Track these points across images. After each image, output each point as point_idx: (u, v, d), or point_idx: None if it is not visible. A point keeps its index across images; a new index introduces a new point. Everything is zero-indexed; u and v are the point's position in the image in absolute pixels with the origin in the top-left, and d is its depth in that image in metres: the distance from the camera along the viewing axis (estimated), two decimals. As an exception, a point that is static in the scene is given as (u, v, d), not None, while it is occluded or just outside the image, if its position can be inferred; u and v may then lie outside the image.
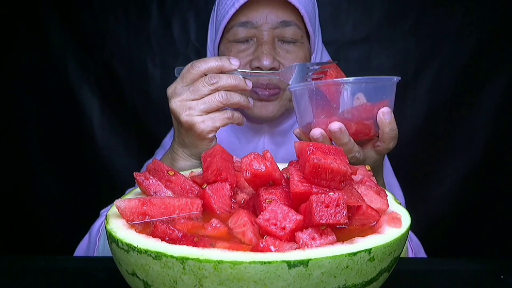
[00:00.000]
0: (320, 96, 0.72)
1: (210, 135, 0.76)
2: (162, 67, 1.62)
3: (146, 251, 0.43)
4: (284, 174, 0.55)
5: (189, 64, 0.75)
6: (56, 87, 1.64)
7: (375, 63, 1.58)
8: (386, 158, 1.12)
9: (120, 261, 0.48)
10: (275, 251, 0.43)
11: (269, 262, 0.40)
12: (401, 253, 0.50)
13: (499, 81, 1.55)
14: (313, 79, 0.79)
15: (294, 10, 0.92)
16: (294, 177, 0.50)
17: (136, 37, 1.61)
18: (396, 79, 0.75)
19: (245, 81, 0.76)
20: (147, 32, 1.61)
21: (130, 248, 0.45)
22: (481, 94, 1.57)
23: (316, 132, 0.72)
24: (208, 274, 0.41)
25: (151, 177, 0.58)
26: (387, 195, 0.56)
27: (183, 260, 0.41)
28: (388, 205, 0.54)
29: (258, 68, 0.90)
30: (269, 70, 0.88)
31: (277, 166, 0.53)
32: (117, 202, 0.51)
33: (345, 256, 0.42)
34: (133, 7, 1.61)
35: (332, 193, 0.45)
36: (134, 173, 0.59)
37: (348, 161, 0.53)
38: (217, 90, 0.74)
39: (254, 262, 0.40)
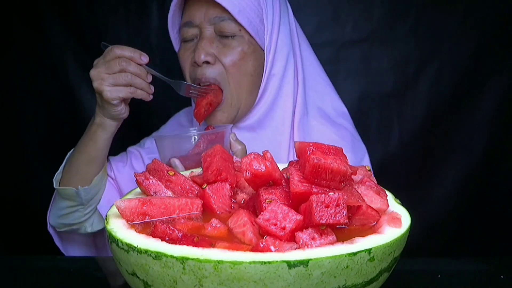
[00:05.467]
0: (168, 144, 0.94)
1: (114, 102, 0.92)
2: (162, 67, 1.62)
3: (146, 251, 0.43)
4: (284, 174, 0.55)
5: (111, 47, 0.93)
6: (56, 87, 1.64)
7: (375, 63, 1.58)
8: (366, 159, 1.12)
9: (120, 261, 0.48)
10: (275, 251, 0.43)
11: (269, 262, 0.40)
12: (401, 253, 0.50)
13: (499, 81, 1.55)
14: (196, 95, 0.97)
15: (229, 5, 0.95)
16: (294, 177, 0.50)
17: (136, 37, 1.61)
18: (226, 127, 0.93)
19: (146, 74, 0.93)
20: (147, 32, 1.60)
21: (130, 248, 0.45)
22: (481, 94, 1.57)
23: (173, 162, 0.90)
24: (208, 274, 0.41)
25: (151, 177, 0.58)
26: (387, 195, 0.56)
27: (183, 260, 0.41)
28: (388, 205, 0.54)
29: (195, 63, 0.98)
30: (203, 63, 0.96)
31: (277, 166, 0.53)
32: (117, 202, 0.51)
33: (345, 256, 0.42)
34: (133, 7, 1.60)
35: (332, 193, 0.45)
36: (134, 173, 0.59)
37: (348, 161, 0.53)
38: (125, 71, 0.91)
39: (254, 262, 0.40)
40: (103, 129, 0.98)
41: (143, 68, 0.93)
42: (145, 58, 0.93)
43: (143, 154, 1.15)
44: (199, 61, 0.96)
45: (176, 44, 1.10)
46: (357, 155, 1.09)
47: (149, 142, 1.19)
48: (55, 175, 1.04)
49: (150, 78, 0.95)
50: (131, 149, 1.18)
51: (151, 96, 0.96)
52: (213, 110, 0.99)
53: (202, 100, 0.97)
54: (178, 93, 0.99)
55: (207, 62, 0.96)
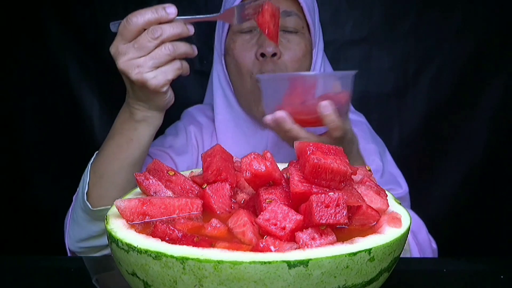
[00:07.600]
0: (283, 87, 0.78)
1: (164, 89, 0.74)
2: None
3: (146, 251, 0.43)
4: (284, 174, 0.55)
5: (125, 19, 0.72)
6: (56, 87, 1.64)
7: (375, 63, 1.58)
8: (386, 150, 1.12)
9: (120, 261, 0.48)
10: (275, 251, 0.43)
11: (269, 262, 0.40)
12: (401, 253, 0.50)
13: (499, 81, 1.55)
14: (252, 14, 0.79)
15: (295, 1, 0.96)
16: (294, 177, 0.50)
17: (136, 37, 1.61)
18: (353, 72, 0.78)
19: (187, 27, 0.74)
20: (147, 32, 1.60)
21: (130, 248, 0.45)
22: (481, 94, 1.57)
23: (268, 118, 0.77)
24: (208, 274, 0.41)
25: (151, 177, 0.58)
26: (387, 195, 0.56)
27: (183, 260, 0.41)
28: (388, 205, 0.54)
29: (262, 54, 0.93)
30: (271, 56, 0.92)
31: (277, 166, 0.53)
32: (117, 202, 0.51)
33: (345, 256, 0.42)
34: (133, 7, 1.60)
35: (332, 193, 0.45)
36: (134, 173, 0.59)
37: (348, 161, 0.53)
38: (162, 42, 0.71)
39: (254, 262, 0.40)
40: (148, 125, 0.82)
41: (179, 23, 0.73)
42: (172, 9, 0.72)
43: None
44: (268, 52, 0.91)
45: (220, 34, 1.03)
46: (378, 145, 1.09)
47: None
48: (78, 194, 0.86)
49: (192, 30, 0.75)
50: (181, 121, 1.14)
51: (195, 53, 0.77)
52: (279, 19, 0.80)
53: (262, 16, 0.77)
54: (232, 24, 0.85)
55: (274, 55, 0.93)
